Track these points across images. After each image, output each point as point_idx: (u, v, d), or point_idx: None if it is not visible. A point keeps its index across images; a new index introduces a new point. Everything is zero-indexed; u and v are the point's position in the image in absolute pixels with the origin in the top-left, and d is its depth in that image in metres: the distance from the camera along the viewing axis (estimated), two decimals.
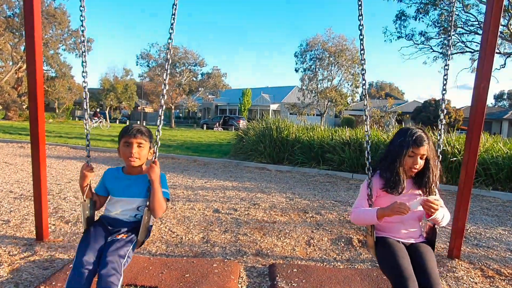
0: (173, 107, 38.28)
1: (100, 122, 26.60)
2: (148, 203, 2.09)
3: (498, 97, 78.85)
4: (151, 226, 2.30)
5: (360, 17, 2.28)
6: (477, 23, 18.88)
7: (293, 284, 2.73)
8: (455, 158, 7.54)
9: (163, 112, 2.26)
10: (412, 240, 2.06)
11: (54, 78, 35.65)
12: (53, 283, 2.54)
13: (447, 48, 2.64)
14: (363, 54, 2.30)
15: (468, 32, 19.84)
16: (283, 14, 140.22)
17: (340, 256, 3.56)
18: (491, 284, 3.05)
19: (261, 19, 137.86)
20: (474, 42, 20.35)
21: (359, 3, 2.29)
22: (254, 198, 5.86)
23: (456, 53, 20.79)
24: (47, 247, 3.37)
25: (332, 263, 3.37)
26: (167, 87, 2.28)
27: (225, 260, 3.16)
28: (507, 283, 3.07)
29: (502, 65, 20.37)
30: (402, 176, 2.00)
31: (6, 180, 6.32)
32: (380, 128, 13.56)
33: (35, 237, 3.53)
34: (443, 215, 2.02)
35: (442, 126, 2.44)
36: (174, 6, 2.32)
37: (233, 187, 6.82)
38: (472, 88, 3.31)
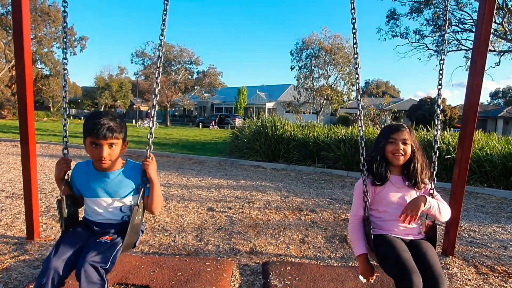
0: (168, 105, 38.14)
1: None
2: (139, 200, 1.94)
3: (493, 95, 79.39)
4: (143, 226, 2.15)
5: (353, 20, 2.28)
6: (471, 21, 18.93)
7: (286, 282, 2.70)
8: (449, 156, 7.55)
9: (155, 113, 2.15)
10: (411, 237, 2.03)
11: (48, 77, 35.44)
12: None
13: (442, 44, 2.68)
14: (357, 57, 2.31)
15: (462, 30, 19.91)
16: (280, 11, 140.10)
17: (334, 254, 3.54)
18: (484, 281, 3.05)
19: (257, 17, 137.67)
20: (469, 40, 20.43)
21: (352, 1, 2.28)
22: (248, 196, 5.84)
23: (451, 50, 20.87)
24: (38, 246, 3.33)
25: (326, 261, 3.36)
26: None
27: (218, 259, 3.13)
28: (501, 280, 3.07)
29: (497, 63, 20.47)
30: (384, 164, 2.06)
31: None
32: (376, 126, 13.58)
33: (26, 236, 3.49)
34: (438, 209, 2.00)
35: (438, 122, 2.46)
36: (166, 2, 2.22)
37: (228, 185, 6.79)
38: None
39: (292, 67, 33.83)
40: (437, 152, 2.33)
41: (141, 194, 1.95)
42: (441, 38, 2.81)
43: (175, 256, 3.24)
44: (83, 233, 1.92)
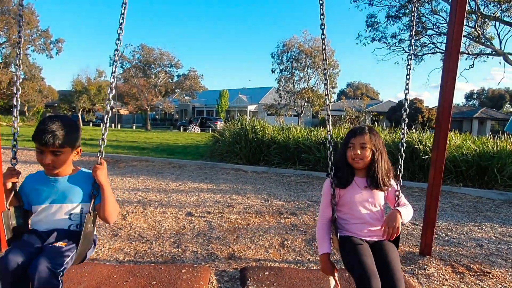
0: (148, 109, 37.63)
1: (193, 128, 33.26)
2: (91, 207, 1.90)
3: (468, 97, 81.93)
4: (96, 237, 2.11)
5: (321, 17, 2.37)
6: (446, 24, 19.43)
7: (264, 287, 2.66)
8: (427, 156, 7.68)
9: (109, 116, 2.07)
10: (376, 238, 2.08)
11: (23, 80, 34.39)
12: None
13: (410, 50, 2.64)
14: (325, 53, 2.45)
15: (438, 34, 20.41)
16: (260, 14, 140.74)
17: (314, 257, 3.51)
18: (461, 280, 3.08)
19: (237, 20, 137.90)
20: (445, 43, 20.93)
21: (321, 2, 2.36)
22: (228, 200, 5.77)
23: (427, 53, 21.36)
24: None
25: (306, 264, 3.33)
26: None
27: (195, 265, 3.06)
28: (476, 279, 3.11)
29: (471, 65, 21.07)
30: (347, 168, 2.12)
31: None
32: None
33: None
34: (407, 214, 2.09)
35: (405, 126, 2.56)
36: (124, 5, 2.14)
37: (208, 189, 6.71)
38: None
39: (273, 69, 34.01)
40: (403, 155, 2.38)
41: (92, 202, 1.90)
42: (409, 44, 2.80)
43: (151, 264, 3.15)
44: (34, 241, 1.82)
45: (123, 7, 2.13)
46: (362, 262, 1.82)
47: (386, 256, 1.92)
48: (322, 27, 2.37)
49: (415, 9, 2.75)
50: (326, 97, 2.49)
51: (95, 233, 2.02)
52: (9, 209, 1.87)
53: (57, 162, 1.85)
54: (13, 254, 1.66)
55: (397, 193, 2.17)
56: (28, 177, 2.00)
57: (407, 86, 2.54)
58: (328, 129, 2.31)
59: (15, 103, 2.04)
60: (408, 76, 2.52)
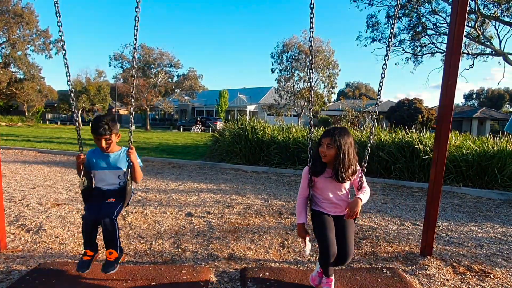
0: (148, 109, 37.54)
1: (200, 128, 35.22)
2: (129, 174, 2.75)
3: (468, 97, 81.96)
4: (133, 191, 2.97)
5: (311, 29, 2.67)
6: (446, 25, 19.43)
7: None
8: (427, 156, 7.67)
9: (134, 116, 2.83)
10: (339, 214, 2.57)
11: (22, 80, 34.30)
12: None
13: (385, 60, 2.83)
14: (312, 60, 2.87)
15: (438, 34, 20.40)
16: (259, 14, 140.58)
17: (314, 257, 3.50)
18: (462, 280, 3.07)
19: (237, 19, 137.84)
20: (444, 43, 20.93)
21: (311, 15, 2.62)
22: (228, 200, 5.75)
23: (426, 53, 21.35)
24: (4, 258, 3.16)
25: (306, 265, 3.32)
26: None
27: (195, 266, 3.04)
28: (478, 279, 3.10)
29: (471, 65, 21.08)
30: (319, 161, 2.52)
31: None
32: (355, 127, 13.76)
33: None
34: (366, 198, 2.52)
35: (374, 127, 2.90)
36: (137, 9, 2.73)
37: (208, 189, 6.69)
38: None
39: (273, 69, 33.96)
40: (370, 150, 2.84)
41: (129, 172, 2.76)
42: (385, 55, 3.08)
43: (151, 264, 3.13)
44: (97, 199, 2.73)
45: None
46: (326, 234, 2.41)
47: (344, 228, 2.51)
48: (311, 39, 2.71)
49: (393, 29, 2.92)
50: (309, 103, 2.89)
51: (132, 187, 2.89)
52: (82, 178, 2.76)
53: (108, 144, 2.71)
54: (88, 212, 2.62)
55: (361, 178, 2.59)
56: (90, 151, 2.81)
57: (379, 92, 2.89)
58: (310, 129, 2.81)
59: (73, 109, 2.85)
60: (381, 84, 2.86)
